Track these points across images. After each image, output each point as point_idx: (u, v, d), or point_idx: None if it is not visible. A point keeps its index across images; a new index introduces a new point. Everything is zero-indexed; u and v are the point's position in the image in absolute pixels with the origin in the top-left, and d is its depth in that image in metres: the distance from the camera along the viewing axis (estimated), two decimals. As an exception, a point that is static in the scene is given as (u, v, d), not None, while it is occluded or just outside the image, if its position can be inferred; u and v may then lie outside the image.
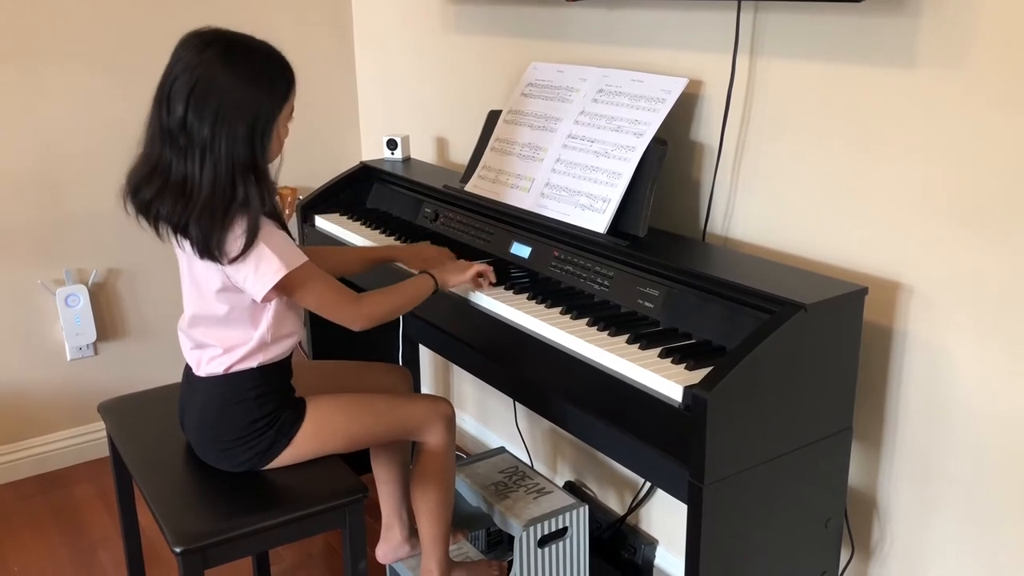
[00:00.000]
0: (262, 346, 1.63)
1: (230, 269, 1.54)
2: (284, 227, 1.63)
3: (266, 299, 1.58)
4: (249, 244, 1.51)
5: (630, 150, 1.81)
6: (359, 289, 1.72)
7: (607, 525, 2.27)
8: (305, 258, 1.58)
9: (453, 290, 1.82)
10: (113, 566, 2.35)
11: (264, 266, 1.53)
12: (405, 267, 1.95)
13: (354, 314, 1.66)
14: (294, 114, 1.61)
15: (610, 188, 1.82)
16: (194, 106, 1.48)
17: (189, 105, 1.48)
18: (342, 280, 1.72)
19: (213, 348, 1.64)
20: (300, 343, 1.75)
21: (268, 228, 1.55)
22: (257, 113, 1.51)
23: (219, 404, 1.65)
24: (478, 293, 1.80)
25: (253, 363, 1.64)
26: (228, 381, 1.64)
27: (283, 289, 1.58)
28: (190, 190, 1.50)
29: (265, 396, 1.65)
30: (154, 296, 2.85)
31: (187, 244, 1.54)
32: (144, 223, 1.58)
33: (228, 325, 1.62)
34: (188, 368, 1.71)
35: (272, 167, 1.59)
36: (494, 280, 1.82)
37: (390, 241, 2.16)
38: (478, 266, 1.81)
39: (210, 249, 1.51)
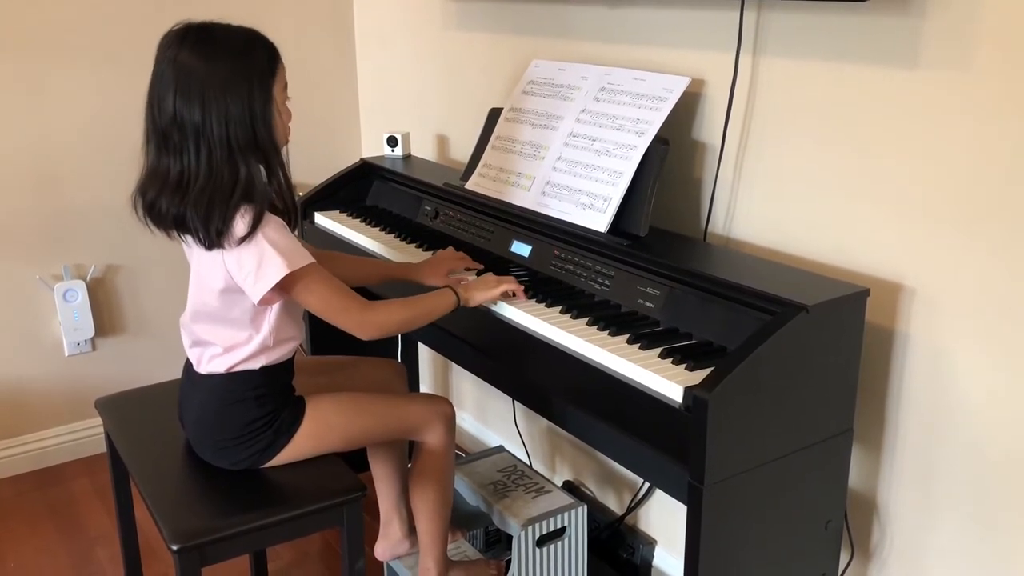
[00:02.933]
0: (264, 349, 1.62)
1: (233, 266, 1.53)
2: (293, 226, 1.62)
3: (264, 302, 1.56)
4: (255, 225, 1.50)
5: (632, 149, 1.80)
6: (375, 299, 1.69)
7: (605, 525, 2.27)
8: (311, 259, 1.56)
9: (478, 305, 1.74)
10: (110, 562, 2.34)
11: (267, 265, 1.51)
12: (425, 284, 1.86)
13: (361, 321, 1.62)
14: (293, 101, 1.60)
15: (611, 187, 1.81)
16: (180, 98, 1.48)
17: (176, 99, 1.48)
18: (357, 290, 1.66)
19: (214, 347, 1.63)
20: (300, 344, 1.74)
21: (276, 225, 1.54)
22: (245, 90, 1.50)
23: (218, 404, 1.64)
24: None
25: (255, 365, 1.63)
26: (229, 380, 1.63)
27: (286, 290, 1.56)
28: (187, 180, 1.50)
29: (265, 396, 1.64)
30: (153, 292, 2.85)
31: (189, 238, 1.54)
32: (154, 228, 1.58)
33: (229, 325, 1.61)
34: (189, 363, 1.71)
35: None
36: (523, 299, 1.73)
37: (390, 239, 2.15)
38: (507, 284, 1.73)
39: (211, 235, 1.49)
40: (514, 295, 1.74)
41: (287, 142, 1.62)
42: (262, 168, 1.54)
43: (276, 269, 1.51)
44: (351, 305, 1.61)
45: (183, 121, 1.48)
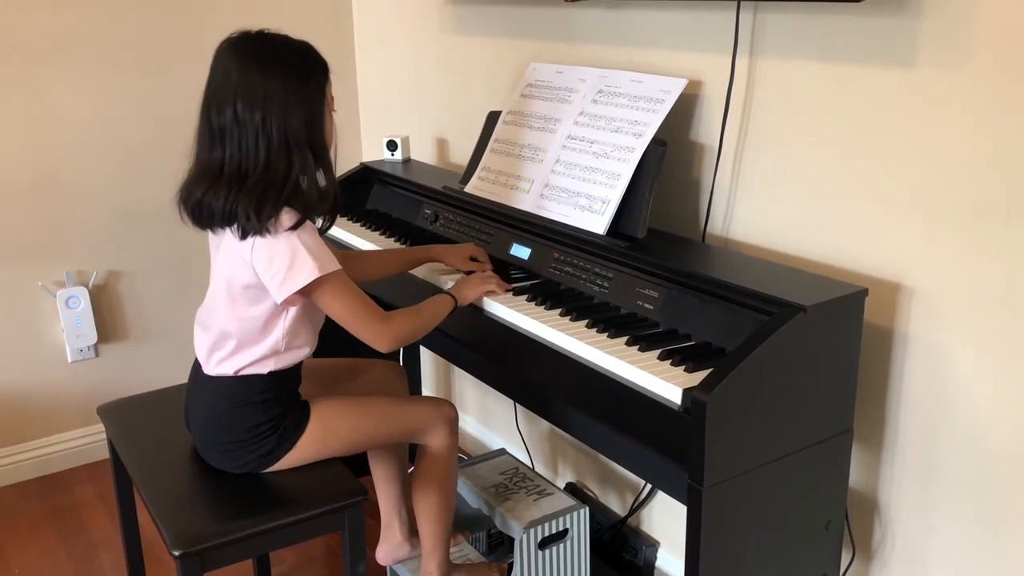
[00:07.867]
0: (275, 354, 1.63)
1: (262, 262, 1.54)
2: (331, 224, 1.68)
3: (287, 303, 1.58)
4: (297, 225, 1.53)
5: (629, 151, 1.81)
6: (387, 306, 1.70)
7: (608, 527, 2.27)
8: (339, 266, 1.58)
9: (472, 302, 1.79)
10: (113, 568, 2.35)
11: (298, 266, 1.54)
12: (445, 264, 1.92)
13: (379, 331, 1.63)
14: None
15: (609, 189, 1.81)
16: (242, 104, 1.53)
17: (237, 105, 1.53)
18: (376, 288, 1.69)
19: (224, 348, 1.64)
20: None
21: (310, 230, 1.57)
22: (303, 101, 1.55)
23: (225, 406, 1.65)
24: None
25: (263, 369, 1.64)
26: (237, 383, 1.64)
27: (312, 295, 1.58)
28: (245, 170, 1.54)
29: (271, 401, 1.65)
30: (155, 298, 2.85)
31: (228, 230, 1.56)
32: (197, 227, 1.61)
33: (246, 323, 1.61)
34: (197, 364, 1.72)
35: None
36: (501, 292, 1.78)
37: (390, 243, 2.16)
38: (491, 281, 1.78)
39: (256, 222, 1.51)
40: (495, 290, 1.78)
41: (332, 145, 1.65)
42: (310, 170, 1.58)
43: (308, 271, 1.53)
44: (372, 316, 1.63)
45: (244, 122, 1.53)
